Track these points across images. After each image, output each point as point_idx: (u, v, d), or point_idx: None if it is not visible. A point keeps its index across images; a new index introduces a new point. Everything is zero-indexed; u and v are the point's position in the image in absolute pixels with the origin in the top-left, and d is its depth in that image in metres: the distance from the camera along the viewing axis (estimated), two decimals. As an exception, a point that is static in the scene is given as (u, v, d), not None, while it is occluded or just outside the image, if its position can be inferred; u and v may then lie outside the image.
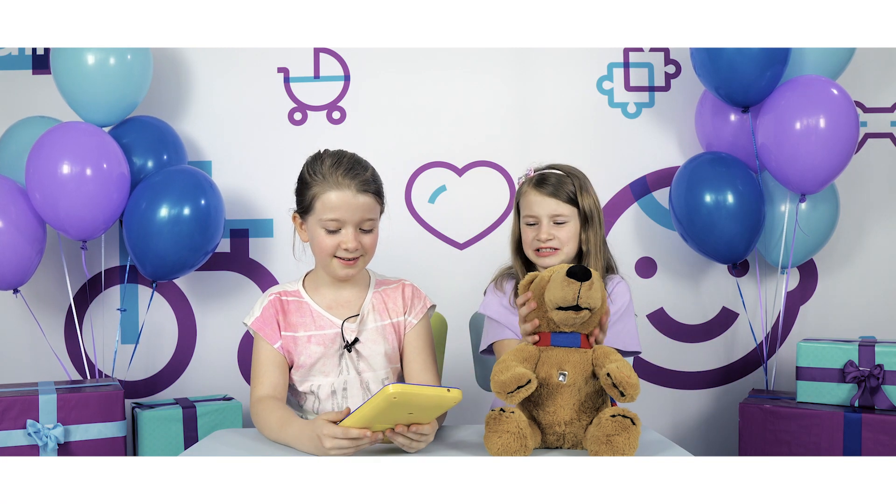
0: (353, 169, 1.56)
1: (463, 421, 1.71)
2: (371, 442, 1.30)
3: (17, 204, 2.25)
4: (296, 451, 1.38)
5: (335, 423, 1.30)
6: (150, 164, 2.39)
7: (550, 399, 1.37)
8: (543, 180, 1.77)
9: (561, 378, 1.36)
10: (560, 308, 1.36)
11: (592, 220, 1.75)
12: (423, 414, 1.29)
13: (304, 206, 1.59)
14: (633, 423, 1.27)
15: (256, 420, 1.53)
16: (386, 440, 1.33)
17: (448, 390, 1.24)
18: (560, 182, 1.76)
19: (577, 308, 1.35)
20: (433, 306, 1.71)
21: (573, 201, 1.75)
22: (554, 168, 1.80)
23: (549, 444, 1.39)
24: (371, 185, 1.57)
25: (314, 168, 1.57)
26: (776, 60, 2.22)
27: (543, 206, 1.75)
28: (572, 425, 1.36)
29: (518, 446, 1.28)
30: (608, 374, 1.30)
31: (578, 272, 1.33)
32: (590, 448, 1.31)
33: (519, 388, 1.30)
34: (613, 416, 1.28)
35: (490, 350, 1.82)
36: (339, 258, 1.57)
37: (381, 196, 1.61)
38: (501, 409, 1.31)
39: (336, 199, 1.53)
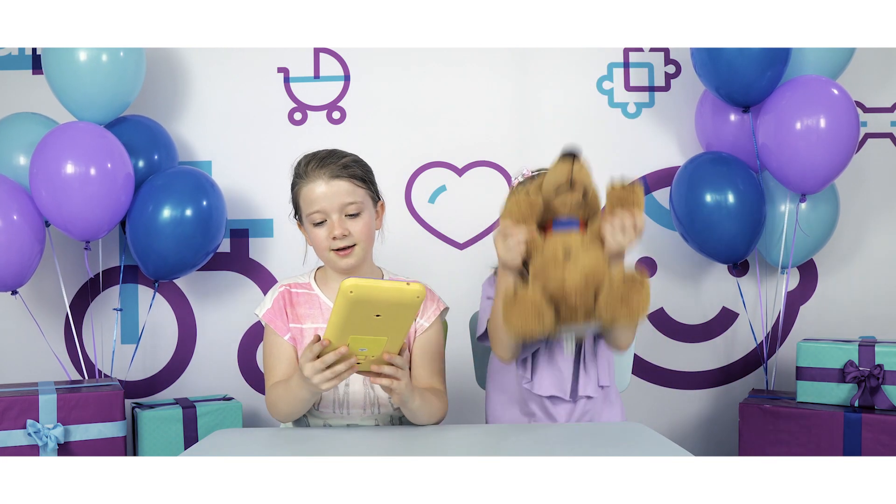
0: (326, 159, 1.58)
1: (463, 420, 1.71)
2: (348, 365, 1.33)
3: (19, 204, 2.24)
4: (294, 451, 1.38)
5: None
6: (140, 163, 2.39)
7: (558, 272, 1.40)
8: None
9: (566, 256, 1.41)
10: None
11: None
12: (391, 320, 1.28)
13: (295, 209, 1.63)
14: (643, 282, 1.33)
15: (271, 404, 1.55)
16: (364, 368, 1.37)
17: (408, 283, 1.25)
18: None
19: (571, 186, 1.43)
20: (446, 308, 1.71)
21: None
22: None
23: (563, 319, 1.41)
24: (348, 169, 1.58)
25: (295, 170, 1.62)
26: (777, 60, 2.22)
27: None
28: (581, 295, 1.39)
29: (535, 312, 1.35)
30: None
31: (570, 152, 1.43)
32: (606, 314, 1.34)
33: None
34: (625, 279, 1.33)
35: (486, 336, 1.77)
36: (334, 250, 1.58)
37: (365, 181, 1.61)
38: (515, 292, 1.37)
39: (313, 191, 1.57)
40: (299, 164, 1.62)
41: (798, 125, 2.20)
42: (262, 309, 1.64)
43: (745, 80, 2.23)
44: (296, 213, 1.64)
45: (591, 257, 1.41)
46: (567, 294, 1.39)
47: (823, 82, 2.25)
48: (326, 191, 1.56)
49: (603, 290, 1.35)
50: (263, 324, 1.65)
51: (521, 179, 1.78)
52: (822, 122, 2.18)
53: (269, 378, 1.61)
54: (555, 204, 1.45)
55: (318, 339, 1.34)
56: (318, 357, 1.34)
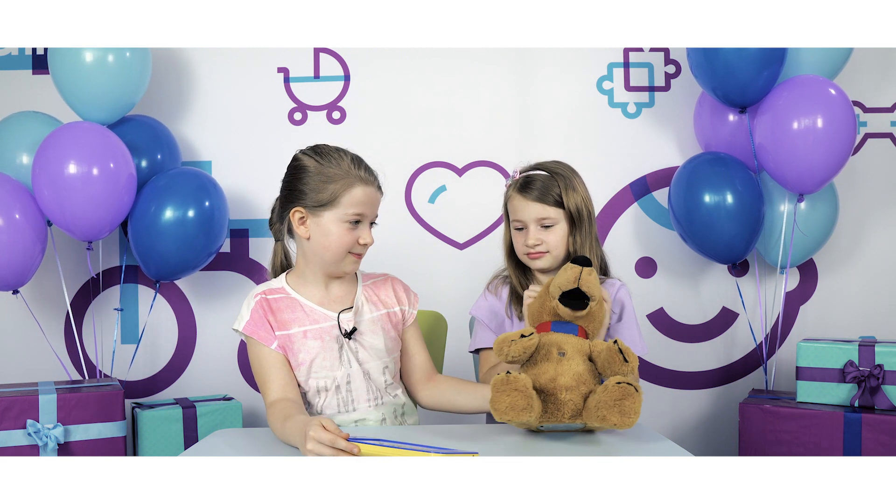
0: (369, 168, 1.61)
1: (463, 420, 1.71)
2: (349, 449, 1.27)
3: (22, 203, 2.24)
4: (294, 451, 1.38)
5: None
6: (143, 163, 2.40)
7: (551, 367, 1.42)
8: (528, 184, 1.73)
9: (560, 355, 1.43)
10: (563, 295, 1.46)
11: (581, 220, 1.71)
12: None
13: (321, 202, 1.55)
14: (637, 391, 1.33)
15: (270, 425, 1.52)
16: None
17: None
18: (545, 185, 1.72)
19: (577, 293, 1.45)
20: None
21: (559, 203, 1.71)
22: (540, 167, 1.76)
23: (549, 413, 1.40)
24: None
25: (333, 163, 1.57)
26: (773, 60, 2.22)
27: (528, 210, 1.72)
28: (572, 392, 1.40)
29: (525, 404, 1.33)
30: (615, 342, 1.40)
31: (581, 259, 1.46)
32: (595, 414, 1.34)
33: (522, 336, 1.41)
34: (619, 382, 1.33)
35: (478, 351, 1.84)
36: (354, 253, 1.58)
37: None
38: (508, 372, 1.36)
39: (363, 194, 1.56)
40: (341, 158, 1.57)
41: (795, 125, 2.20)
42: (241, 322, 1.60)
43: (742, 80, 2.23)
44: (317, 203, 1.56)
45: (583, 363, 1.44)
46: (557, 389, 1.40)
47: (820, 82, 2.25)
48: (374, 199, 1.59)
49: (597, 392, 1.37)
50: (245, 337, 1.61)
51: (511, 180, 1.78)
52: (819, 122, 2.18)
53: (266, 393, 1.57)
54: (559, 307, 1.48)
55: (346, 437, 1.27)
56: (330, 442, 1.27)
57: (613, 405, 1.31)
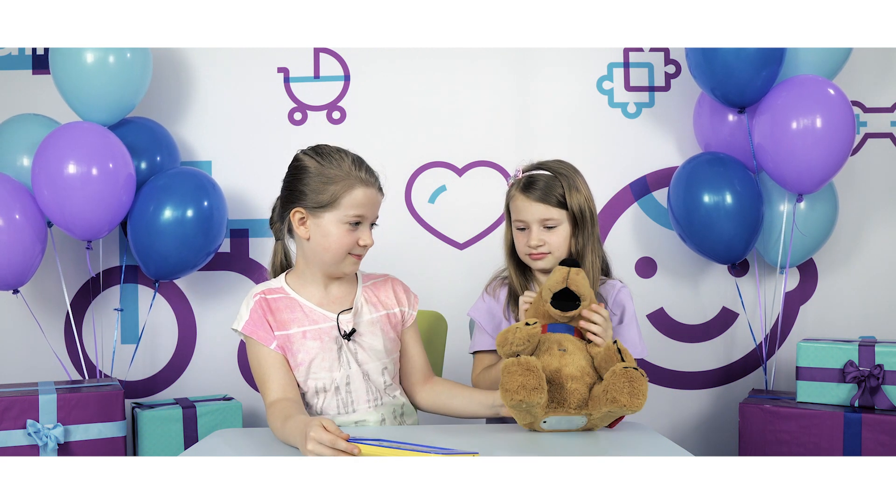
0: (369, 167, 1.60)
1: (462, 420, 1.71)
2: (349, 449, 1.26)
3: (22, 203, 2.24)
4: (294, 451, 1.38)
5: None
6: (143, 165, 2.40)
7: (554, 360, 1.44)
8: (531, 184, 1.72)
9: (561, 351, 1.46)
10: (554, 297, 1.49)
11: (584, 220, 1.71)
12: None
13: (321, 203, 1.55)
14: (643, 376, 1.39)
15: (270, 425, 1.51)
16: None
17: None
18: (548, 185, 1.71)
19: (567, 293, 1.49)
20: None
21: (562, 204, 1.70)
22: (542, 167, 1.75)
23: (556, 403, 1.42)
24: None
25: (334, 164, 1.56)
26: (771, 60, 2.22)
27: (531, 211, 1.71)
28: (577, 382, 1.42)
29: (536, 384, 1.34)
30: (615, 342, 1.44)
31: (568, 261, 1.53)
32: (605, 397, 1.36)
33: (527, 324, 1.44)
34: (626, 367, 1.37)
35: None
36: (353, 255, 1.58)
37: None
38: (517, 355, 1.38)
39: (363, 196, 1.55)
40: (341, 159, 1.56)
41: (794, 125, 2.19)
42: (241, 322, 1.59)
43: (741, 80, 2.23)
44: (318, 204, 1.55)
45: (585, 358, 1.47)
46: (563, 379, 1.41)
47: (819, 82, 2.25)
48: (375, 200, 1.58)
49: (604, 379, 1.39)
50: (244, 337, 1.61)
51: (514, 179, 1.78)
52: (818, 122, 2.18)
53: (266, 393, 1.56)
54: (551, 309, 1.51)
55: (347, 437, 1.27)
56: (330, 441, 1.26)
57: (623, 386, 1.35)
